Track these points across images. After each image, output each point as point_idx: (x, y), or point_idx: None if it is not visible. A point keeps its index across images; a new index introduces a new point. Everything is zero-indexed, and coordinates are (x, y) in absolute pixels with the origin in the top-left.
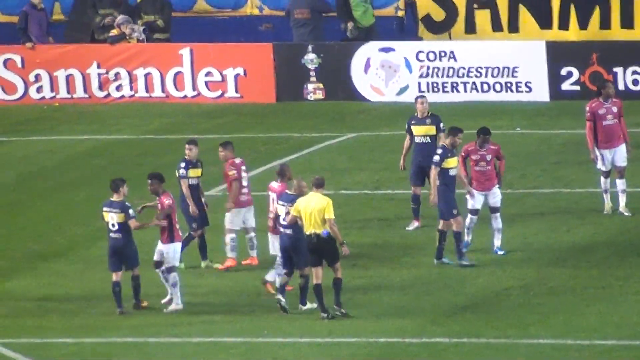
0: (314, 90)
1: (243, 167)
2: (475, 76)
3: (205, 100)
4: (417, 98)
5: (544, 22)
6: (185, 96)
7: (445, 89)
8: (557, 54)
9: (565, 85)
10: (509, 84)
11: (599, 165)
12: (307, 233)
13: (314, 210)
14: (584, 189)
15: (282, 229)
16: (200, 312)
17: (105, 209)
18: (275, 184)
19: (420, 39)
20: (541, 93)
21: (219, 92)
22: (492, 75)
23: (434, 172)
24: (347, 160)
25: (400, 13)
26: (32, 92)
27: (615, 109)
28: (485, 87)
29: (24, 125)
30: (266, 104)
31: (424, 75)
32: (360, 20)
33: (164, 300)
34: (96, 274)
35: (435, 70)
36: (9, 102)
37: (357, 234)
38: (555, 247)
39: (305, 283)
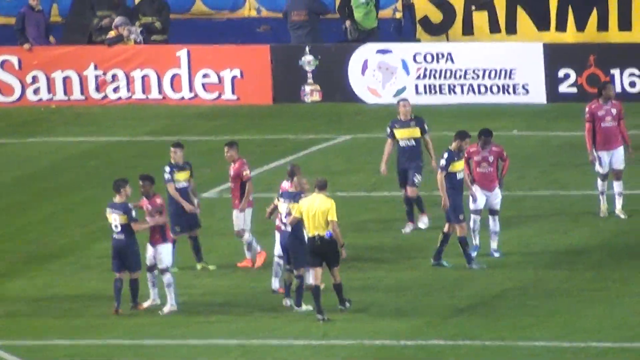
0: (311, 92)
1: None
2: (473, 78)
3: (202, 102)
4: (399, 101)
5: (542, 24)
6: (183, 98)
7: (443, 91)
8: (555, 56)
9: (563, 88)
10: (506, 86)
11: (597, 168)
12: (310, 235)
13: (318, 211)
14: (581, 192)
15: (282, 227)
16: (196, 313)
17: (108, 209)
18: (286, 184)
19: (418, 40)
20: (538, 95)
21: (216, 94)
22: (490, 77)
23: (440, 176)
24: (343, 162)
25: (398, 15)
26: (29, 94)
27: (614, 111)
28: (483, 89)
29: (21, 127)
30: (263, 106)
31: (421, 77)
32: (362, 22)
33: (146, 304)
34: (93, 275)
35: (433, 72)
36: (6, 104)
37: (354, 236)
38: (552, 249)
39: (301, 284)
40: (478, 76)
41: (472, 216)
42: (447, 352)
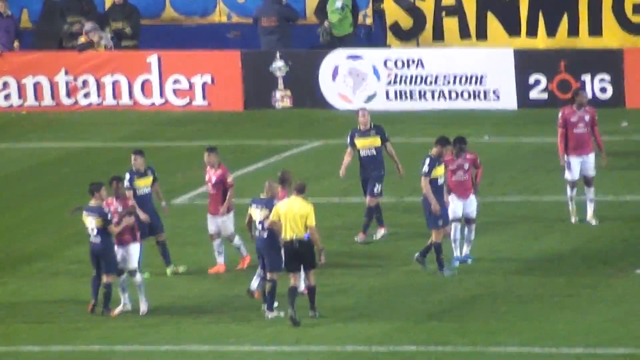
0: (281, 98)
1: None
2: (443, 84)
3: (173, 108)
4: (358, 110)
5: (512, 30)
6: (153, 104)
7: (413, 97)
8: (525, 62)
9: (534, 93)
10: (477, 92)
11: (566, 175)
12: (287, 238)
13: (297, 215)
14: (552, 197)
15: (256, 233)
16: (167, 319)
17: (84, 213)
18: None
19: (388, 46)
20: (509, 101)
21: (187, 100)
22: (460, 83)
23: (424, 182)
24: (314, 168)
25: (369, 21)
26: (0, 100)
27: (587, 118)
28: (453, 94)
29: None
30: (234, 112)
31: (392, 82)
32: (335, 28)
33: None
34: (64, 281)
35: (403, 77)
36: None
37: (324, 241)
38: (523, 255)
39: (272, 288)
40: (449, 82)
41: (452, 224)
42: (418, 357)
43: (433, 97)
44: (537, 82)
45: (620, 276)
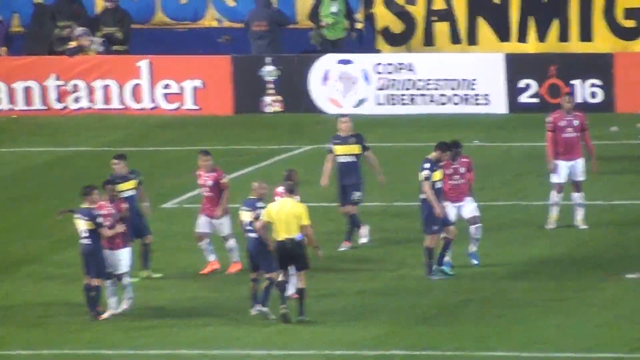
0: (272, 102)
1: None
2: (434, 88)
3: (164, 112)
4: (339, 117)
5: (503, 35)
6: (144, 108)
7: (404, 101)
8: (516, 67)
9: (524, 98)
10: (467, 97)
11: (553, 178)
12: (280, 239)
13: (289, 215)
14: (542, 202)
15: (247, 234)
16: (157, 323)
17: (75, 215)
18: (281, 189)
19: (379, 51)
20: (499, 105)
21: (177, 104)
22: (451, 88)
23: (426, 186)
24: (305, 172)
25: (359, 25)
26: None
27: (576, 122)
28: (444, 99)
29: None
30: (224, 116)
31: (382, 87)
32: (327, 32)
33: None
34: (54, 285)
35: (394, 82)
36: None
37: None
38: (513, 260)
39: (270, 285)
40: (439, 86)
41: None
42: None
43: (423, 101)
44: (528, 86)
45: (610, 280)
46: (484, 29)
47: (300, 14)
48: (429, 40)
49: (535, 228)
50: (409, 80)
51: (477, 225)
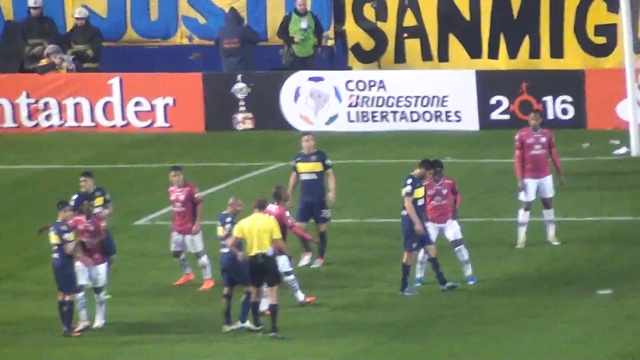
0: (243, 120)
1: None
2: (405, 105)
3: (135, 130)
4: (302, 135)
5: (474, 52)
6: (115, 126)
7: (375, 118)
8: (487, 83)
9: (495, 115)
10: (438, 113)
11: (521, 197)
12: (252, 254)
13: (261, 230)
14: (514, 218)
15: (221, 249)
16: (130, 339)
17: (50, 228)
18: (272, 207)
19: (350, 68)
20: (471, 122)
21: (149, 122)
22: (422, 105)
23: (407, 202)
24: None
25: (330, 42)
26: None
27: (544, 140)
28: (415, 116)
29: None
30: (196, 134)
31: (354, 104)
32: (297, 49)
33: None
34: (27, 302)
35: (365, 99)
36: None
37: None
38: (486, 276)
39: (247, 298)
40: (410, 103)
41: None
42: None
43: (395, 118)
44: (499, 103)
45: (582, 297)
46: (455, 46)
47: (271, 31)
48: (400, 57)
49: (507, 245)
50: (380, 97)
51: (459, 247)
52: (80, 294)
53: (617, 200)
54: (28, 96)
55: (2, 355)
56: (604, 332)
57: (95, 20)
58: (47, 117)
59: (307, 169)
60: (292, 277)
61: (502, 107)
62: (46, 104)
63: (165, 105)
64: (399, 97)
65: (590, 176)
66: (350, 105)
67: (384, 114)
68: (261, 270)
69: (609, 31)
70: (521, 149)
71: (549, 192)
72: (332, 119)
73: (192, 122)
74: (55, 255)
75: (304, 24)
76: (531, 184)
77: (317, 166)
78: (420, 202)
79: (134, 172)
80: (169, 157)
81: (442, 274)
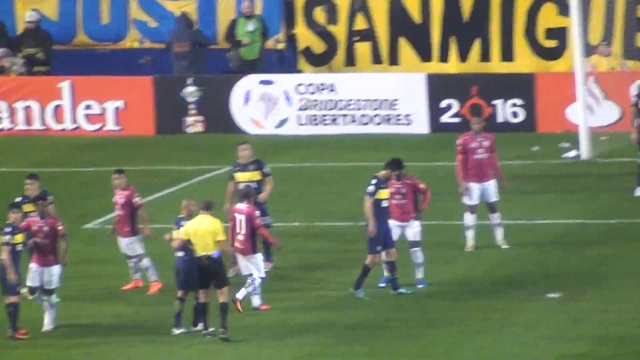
0: (193, 123)
1: None
2: (356, 109)
3: (85, 133)
4: (239, 144)
5: (424, 55)
6: (65, 129)
7: (325, 122)
8: (437, 87)
9: (445, 118)
10: (389, 117)
11: (466, 200)
12: (199, 255)
13: (206, 232)
14: (464, 222)
15: (175, 253)
16: (78, 343)
17: None
18: (242, 206)
19: (300, 71)
20: (421, 125)
21: (99, 125)
22: (372, 108)
23: (367, 202)
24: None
25: (280, 46)
26: None
27: (487, 143)
28: (365, 119)
29: None
30: (146, 137)
31: (304, 107)
32: (244, 52)
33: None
34: None
35: (315, 102)
36: None
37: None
38: (435, 279)
39: (198, 302)
40: (361, 107)
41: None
42: None
43: (345, 122)
44: (449, 106)
45: (531, 300)
46: (406, 49)
47: (222, 35)
48: (350, 60)
49: (457, 248)
50: (331, 100)
51: (415, 249)
52: (35, 296)
53: (567, 203)
54: None
55: None
56: (552, 335)
57: (46, 24)
58: None
59: (246, 178)
60: (259, 281)
61: (452, 110)
62: None
63: (116, 109)
64: (350, 100)
65: (540, 179)
66: (300, 109)
67: (335, 117)
68: (207, 272)
69: (559, 34)
70: (464, 153)
71: (493, 197)
72: (283, 122)
73: (143, 125)
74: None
75: (250, 27)
76: (475, 188)
77: (256, 175)
78: (385, 204)
79: (84, 175)
80: (119, 161)
81: (396, 279)
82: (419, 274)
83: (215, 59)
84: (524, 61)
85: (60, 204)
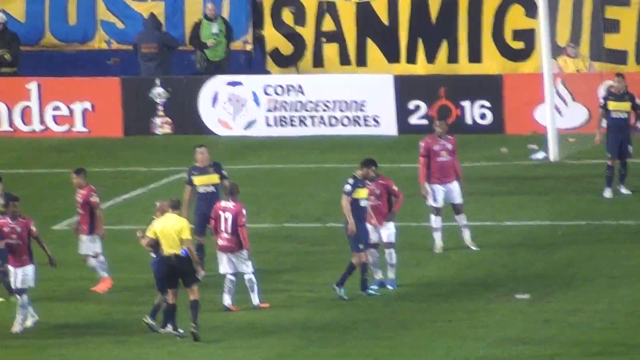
0: (161, 124)
1: None
2: (323, 110)
3: (53, 135)
4: (196, 147)
5: (392, 56)
6: (33, 130)
7: (293, 123)
8: (405, 88)
9: (413, 119)
10: (356, 118)
11: (430, 202)
12: (166, 254)
13: (172, 231)
14: (431, 223)
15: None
16: (48, 344)
17: None
18: (229, 204)
19: (268, 72)
20: (389, 127)
21: (67, 126)
22: (340, 109)
23: (345, 201)
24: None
25: (248, 47)
26: None
27: (449, 146)
28: (333, 120)
29: None
30: (114, 138)
31: (272, 109)
32: (209, 54)
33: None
34: None
35: (283, 104)
36: None
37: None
38: (403, 281)
39: (166, 304)
40: (328, 108)
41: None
42: None
43: (313, 123)
44: (417, 108)
45: (500, 301)
46: (373, 51)
47: (188, 37)
48: (318, 62)
49: (425, 249)
50: (299, 101)
51: (390, 250)
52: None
53: (535, 205)
54: None
55: None
56: (521, 337)
57: (13, 25)
58: None
59: (205, 181)
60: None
61: (420, 111)
62: None
63: (84, 110)
64: (317, 101)
65: (508, 181)
66: (268, 110)
67: (302, 118)
68: (175, 271)
69: (527, 36)
70: (427, 156)
71: (458, 198)
72: (251, 123)
73: (111, 127)
74: None
75: (215, 28)
76: (438, 189)
77: (214, 178)
78: (364, 203)
79: (52, 177)
80: (87, 162)
81: (366, 280)
82: (391, 274)
83: (183, 60)
84: (492, 63)
85: (29, 206)
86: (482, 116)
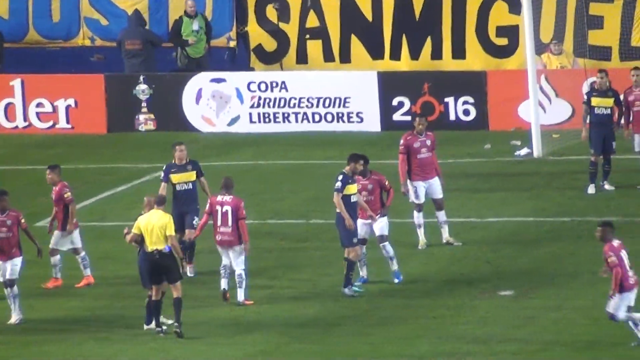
0: (145, 121)
1: None
2: (307, 106)
3: (37, 131)
4: (175, 145)
5: (376, 53)
6: (17, 127)
7: (277, 120)
8: (389, 84)
9: (397, 116)
10: (340, 114)
11: (412, 199)
12: (149, 250)
13: (155, 226)
14: (414, 220)
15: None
16: (30, 340)
17: None
18: (227, 197)
19: (252, 69)
20: (373, 123)
21: (51, 123)
22: (324, 106)
23: (337, 198)
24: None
25: (232, 43)
26: None
27: (429, 142)
28: (317, 117)
29: None
30: (98, 135)
31: (255, 105)
32: (189, 50)
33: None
34: None
35: (267, 100)
36: None
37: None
38: (387, 277)
39: (149, 300)
40: (312, 104)
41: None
42: None
43: (297, 119)
44: (401, 104)
45: (483, 298)
46: (357, 47)
47: (169, 34)
48: (302, 58)
49: (408, 246)
50: (282, 98)
51: (384, 243)
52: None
53: (519, 201)
54: None
55: None
56: (504, 333)
57: None
58: None
59: (183, 179)
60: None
61: (404, 108)
62: None
63: (67, 107)
64: (301, 98)
65: (492, 177)
66: (252, 107)
67: (286, 115)
68: (158, 267)
69: (511, 32)
70: (406, 153)
71: (439, 194)
72: (234, 120)
73: (94, 124)
74: None
75: (195, 25)
76: (420, 186)
77: (192, 175)
78: (354, 199)
79: (36, 173)
80: (71, 159)
81: (350, 278)
82: (394, 266)
83: (166, 57)
84: (476, 59)
85: (12, 202)
86: (466, 112)
